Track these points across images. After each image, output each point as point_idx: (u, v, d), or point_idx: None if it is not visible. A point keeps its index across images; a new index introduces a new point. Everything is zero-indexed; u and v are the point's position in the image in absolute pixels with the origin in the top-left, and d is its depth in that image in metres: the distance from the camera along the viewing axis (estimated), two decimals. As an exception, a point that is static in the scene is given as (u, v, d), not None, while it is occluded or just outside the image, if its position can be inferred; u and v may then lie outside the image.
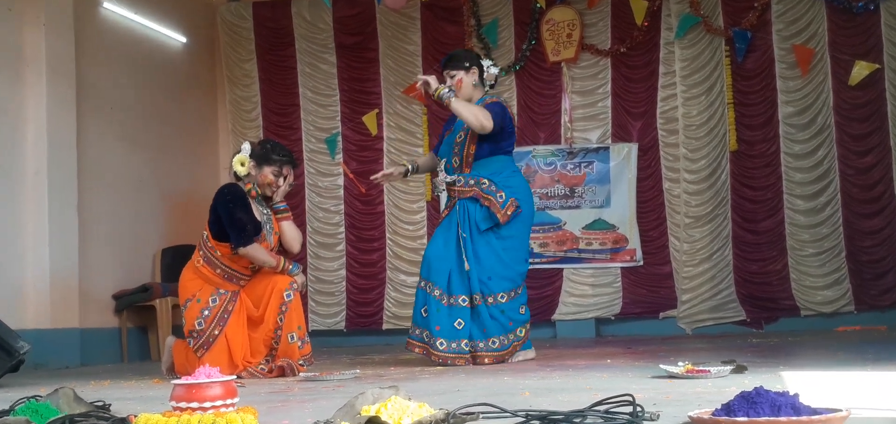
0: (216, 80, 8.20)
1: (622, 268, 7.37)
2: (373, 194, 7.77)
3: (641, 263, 7.35)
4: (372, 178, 4.72)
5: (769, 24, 7.09)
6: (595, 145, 7.50)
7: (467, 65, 4.51)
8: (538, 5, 7.42)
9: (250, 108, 8.09)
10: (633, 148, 7.40)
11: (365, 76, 7.90)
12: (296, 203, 7.77)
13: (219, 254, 4.15)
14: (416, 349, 4.51)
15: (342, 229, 7.87)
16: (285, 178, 4.24)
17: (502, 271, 4.38)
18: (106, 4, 6.85)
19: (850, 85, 6.91)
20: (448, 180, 4.48)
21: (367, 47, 7.87)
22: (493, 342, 4.38)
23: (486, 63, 4.57)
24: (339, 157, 7.86)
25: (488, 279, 4.38)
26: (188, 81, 7.83)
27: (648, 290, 7.34)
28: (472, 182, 4.44)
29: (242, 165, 4.19)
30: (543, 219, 7.41)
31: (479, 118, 4.31)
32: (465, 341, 4.35)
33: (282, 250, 4.35)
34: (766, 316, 7.03)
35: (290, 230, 4.34)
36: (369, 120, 7.71)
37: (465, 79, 4.48)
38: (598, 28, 7.50)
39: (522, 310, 4.51)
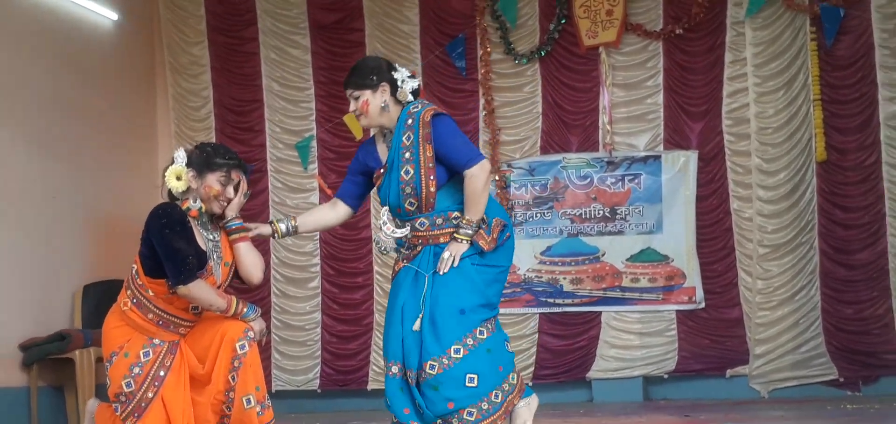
0: (155, 68, 8.10)
1: (678, 312, 7.26)
2: (357, 215, 7.29)
3: (703, 305, 7.25)
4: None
5: None
6: (643, 154, 7.39)
7: (375, 79, 4.18)
8: None
9: (199, 104, 7.94)
10: (692, 157, 7.26)
11: (347, 64, 7.02)
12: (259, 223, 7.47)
13: (151, 294, 3.97)
14: None
15: (317, 260, 7.74)
16: (236, 186, 4.05)
17: (477, 297, 4.08)
18: (12, -28, 6.70)
19: None
20: (403, 232, 4.16)
21: (351, 27, 7.72)
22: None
23: (399, 75, 4.22)
24: (314, 167, 7.72)
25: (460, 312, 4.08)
26: (120, 70, 7.71)
27: (712, 340, 7.23)
28: (439, 221, 4.12)
29: (179, 178, 3.97)
30: (576, 248, 7.36)
31: (484, 189, 4.07)
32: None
33: (232, 286, 4.17)
34: (865, 375, 6.90)
35: (248, 256, 4.11)
36: (352, 121, 7.42)
37: (372, 100, 4.15)
38: (646, 3, 7.36)
39: (509, 346, 4.24)
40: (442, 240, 4.09)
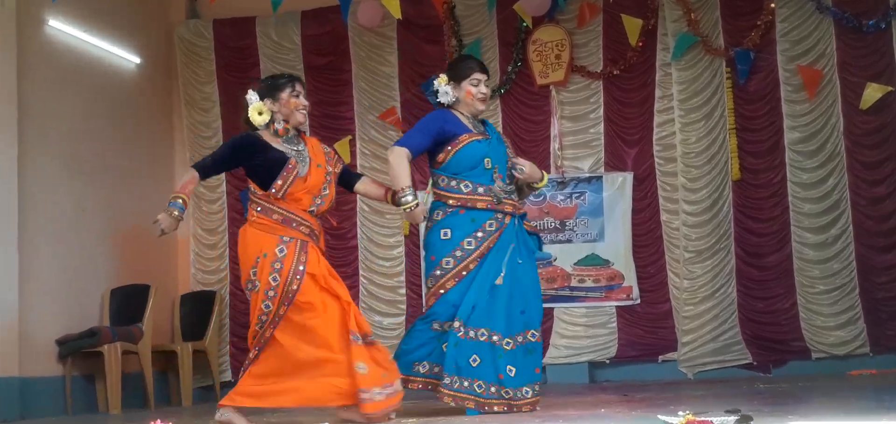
0: (173, 104, 8.24)
1: (618, 307, 7.38)
2: (345, 227, 7.75)
3: (638, 301, 7.37)
4: None
5: (773, 43, 7.16)
6: (587, 175, 7.54)
7: None
8: (524, 24, 7.48)
9: (210, 134, 8.09)
10: (628, 177, 7.44)
11: (337, 100, 7.92)
12: None
13: (270, 199, 4.14)
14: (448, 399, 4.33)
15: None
16: (301, 94, 4.27)
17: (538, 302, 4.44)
18: (52, 22, 6.85)
19: (861, 109, 6.96)
20: (508, 192, 4.42)
21: (339, 68, 7.89)
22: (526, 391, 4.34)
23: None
24: None
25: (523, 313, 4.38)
26: (142, 105, 7.86)
27: (646, 331, 7.36)
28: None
29: (261, 113, 4.19)
30: None
31: None
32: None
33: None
34: (774, 359, 7.03)
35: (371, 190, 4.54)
36: (341, 147, 7.63)
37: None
38: (589, 49, 7.56)
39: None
40: (521, 212, 4.45)
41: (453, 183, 4.39)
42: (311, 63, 7.90)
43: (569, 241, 7.49)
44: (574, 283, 7.45)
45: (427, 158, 4.51)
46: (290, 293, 4.03)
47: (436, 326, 4.33)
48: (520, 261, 4.35)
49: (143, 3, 7.87)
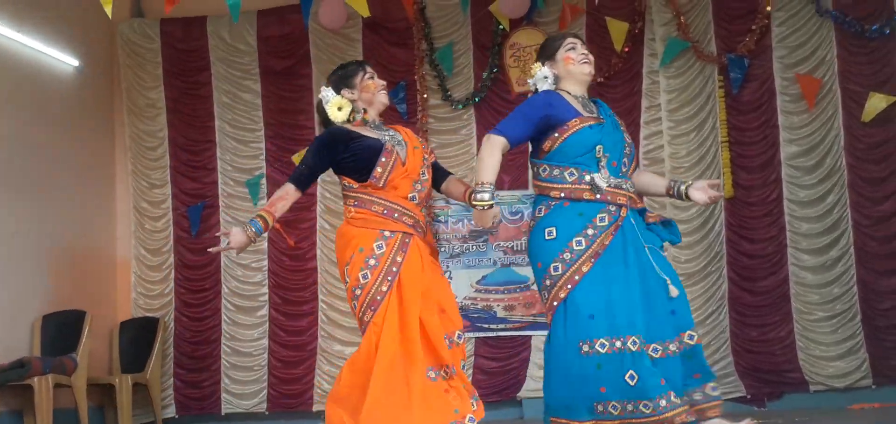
0: (115, 111, 7.96)
1: None
2: (303, 247, 7.50)
3: None
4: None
5: (769, 50, 6.93)
6: None
7: None
8: (501, 27, 7.26)
9: (155, 144, 7.84)
10: None
11: (296, 107, 7.63)
12: (211, 257, 7.49)
13: (368, 191, 4.00)
14: None
15: (265, 289, 7.60)
16: (375, 75, 4.22)
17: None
18: (-23, 18, 6.58)
19: (864, 121, 6.72)
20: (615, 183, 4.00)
21: (299, 73, 7.63)
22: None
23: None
24: (263, 203, 7.53)
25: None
26: (81, 112, 7.59)
27: None
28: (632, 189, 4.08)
29: (341, 108, 4.10)
30: (509, 277, 7.29)
31: None
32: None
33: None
34: (769, 392, 6.83)
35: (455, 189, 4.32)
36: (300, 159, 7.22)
37: None
38: None
39: None
40: (640, 205, 4.07)
41: (556, 172, 3.99)
42: (268, 67, 7.65)
43: None
44: None
45: (528, 147, 4.13)
46: (377, 296, 3.89)
47: (585, 347, 3.87)
48: (650, 256, 3.97)
49: (83, 0, 7.50)
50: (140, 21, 7.84)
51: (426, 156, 4.16)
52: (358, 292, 3.92)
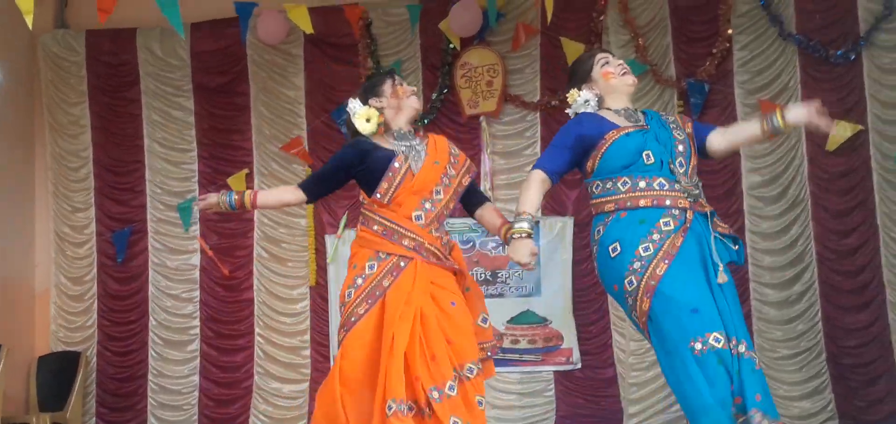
0: (35, 128, 7.78)
1: (556, 372, 7.05)
2: (239, 276, 7.39)
3: (579, 366, 7.04)
4: None
5: (731, 74, 6.84)
6: None
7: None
8: (451, 46, 7.16)
9: (78, 164, 7.67)
10: (569, 223, 7.09)
11: (231, 126, 7.50)
12: (137, 286, 7.44)
13: (374, 208, 3.91)
14: None
15: (196, 322, 7.46)
16: (404, 81, 4.14)
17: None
18: None
19: (828, 150, 6.61)
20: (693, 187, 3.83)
21: (235, 90, 7.51)
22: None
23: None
24: (195, 229, 7.50)
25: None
26: None
27: (587, 400, 7.02)
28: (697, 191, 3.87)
29: (369, 119, 3.99)
30: None
31: None
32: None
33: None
34: None
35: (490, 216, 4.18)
36: (237, 182, 7.27)
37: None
38: (524, 75, 7.26)
39: None
40: (707, 209, 3.83)
41: (609, 185, 3.82)
42: (202, 83, 7.51)
43: (501, 295, 7.14)
44: (506, 344, 7.09)
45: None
46: (352, 318, 3.78)
47: (697, 346, 3.59)
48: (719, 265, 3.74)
49: (2, 8, 7.22)
50: (64, 32, 7.67)
51: (451, 176, 3.98)
52: (341, 309, 3.87)
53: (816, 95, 6.24)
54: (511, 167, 7.18)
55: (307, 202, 4.09)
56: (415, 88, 4.13)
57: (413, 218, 3.84)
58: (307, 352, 7.24)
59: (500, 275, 7.11)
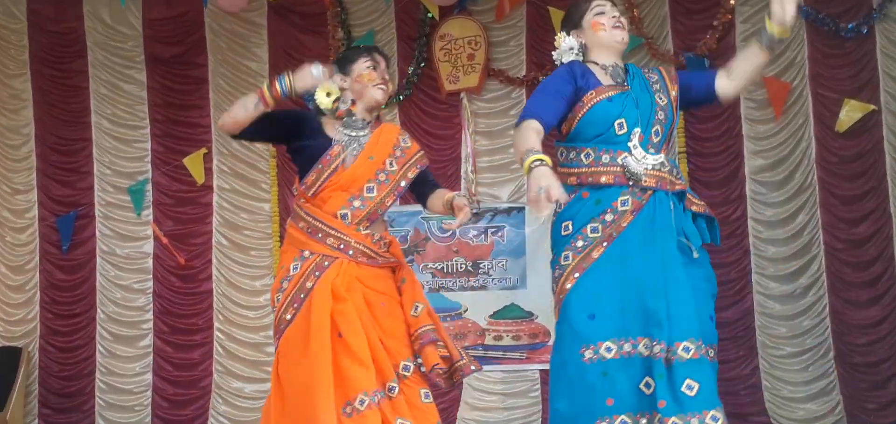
0: None
1: (542, 371, 6.82)
2: (196, 265, 7.18)
3: None
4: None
5: (733, 49, 6.57)
6: (506, 205, 7.11)
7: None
8: (429, 15, 6.95)
9: (20, 142, 7.38)
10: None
11: (188, 102, 7.27)
12: (84, 276, 7.21)
13: (301, 201, 3.83)
14: None
15: (149, 315, 7.22)
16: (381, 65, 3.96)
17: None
18: None
19: (838, 131, 6.59)
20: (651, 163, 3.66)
21: (192, 62, 7.27)
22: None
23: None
24: (148, 214, 7.28)
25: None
26: None
27: None
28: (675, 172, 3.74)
29: (329, 94, 3.82)
30: (438, 304, 6.93)
31: None
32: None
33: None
34: None
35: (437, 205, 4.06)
36: (194, 163, 7.10)
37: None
38: (509, 48, 7.10)
39: None
40: (679, 187, 3.73)
41: (572, 155, 3.67)
42: (156, 54, 7.26)
43: (483, 288, 7.02)
44: (489, 341, 6.99)
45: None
46: (281, 325, 3.71)
47: (587, 354, 3.56)
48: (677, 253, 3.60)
49: None
50: None
51: (390, 171, 3.85)
52: (272, 314, 3.89)
53: (825, 72, 6.39)
54: (495, 148, 7.01)
55: (237, 136, 3.88)
56: (386, 78, 3.93)
57: (338, 216, 3.75)
58: (271, 349, 6.84)
59: (482, 265, 6.99)
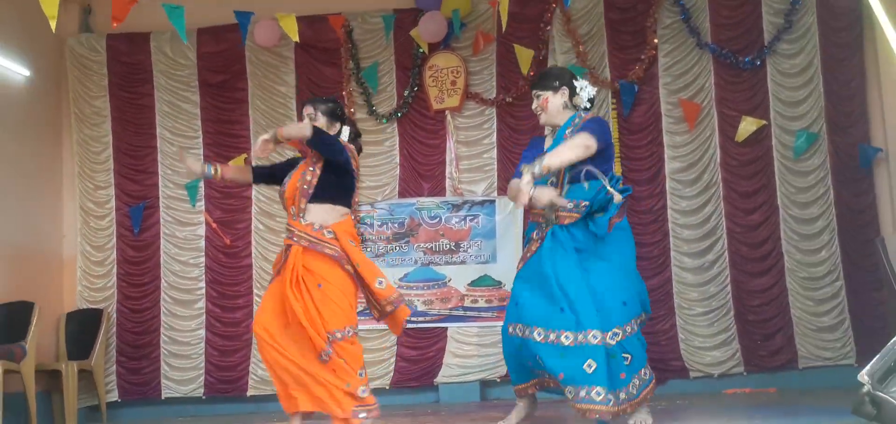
0: (62, 117, 7.91)
1: None
2: (239, 245, 7.54)
3: None
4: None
5: (656, 77, 7.23)
6: (481, 198, 7.43)
7: (556, 85, 4.38)
8: (421, 50, 7.40)
9: (100, 149, 7.78)
10: None
11: (232, 118, 7.68)
12: (151, 253, 7.54)
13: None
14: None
15: (202, 284, 7.60)
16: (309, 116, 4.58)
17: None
18: (-65, 31, 6.53)
19: (737, 141, 7.07)
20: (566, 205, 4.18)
21: (235, 86, 7.65)
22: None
23: (579, 84, 4.41)
24: (201, 205, 7.62)
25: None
26: (31, 119, 7.55)
27: None
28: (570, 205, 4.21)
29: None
30: (428, 275, 7.36)
31: (577, 149, 4.11)
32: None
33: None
34: (655, 378, 6.98)
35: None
36: (236, 165, 6.98)
37: (553, 100, 4.37)
38: (482, 76, 7.48)
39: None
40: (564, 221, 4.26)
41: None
42: (207, 80, 7.66)
43: (462, 263, 7.37)
44: (467, 303, 7.32)
45: None
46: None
47: (509, 329, 4.35)
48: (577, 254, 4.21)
49: (34, 14, 7.32)
50: (88, 36, 7.78)
51: (306, 184, 4.44)
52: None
53: (727, 95, 6.98)
54: (472, 154, 7.43)
55: (253, 182, 4.86)
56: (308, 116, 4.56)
57: (292, 214, 4.50)
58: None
59: (462, 245, 7.32)
